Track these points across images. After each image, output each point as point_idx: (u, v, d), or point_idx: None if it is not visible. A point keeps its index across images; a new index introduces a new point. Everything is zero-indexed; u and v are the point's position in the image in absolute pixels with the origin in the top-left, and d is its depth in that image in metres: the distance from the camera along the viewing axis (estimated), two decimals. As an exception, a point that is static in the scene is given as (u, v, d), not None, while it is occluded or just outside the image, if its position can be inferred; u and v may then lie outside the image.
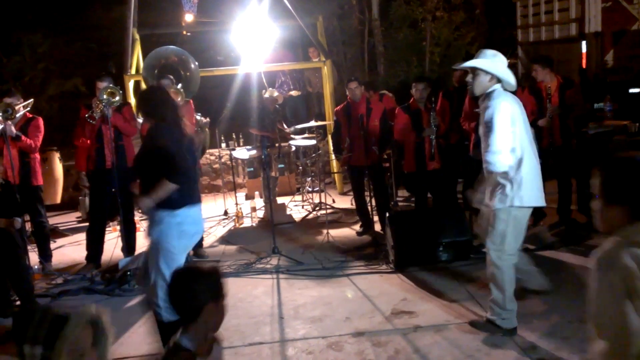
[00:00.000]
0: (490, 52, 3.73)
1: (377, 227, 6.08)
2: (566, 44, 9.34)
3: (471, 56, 10.05)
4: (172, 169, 3.39)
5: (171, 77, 5.89)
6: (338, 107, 6.27)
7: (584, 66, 8.97)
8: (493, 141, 3.51)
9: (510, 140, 3.54)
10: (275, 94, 7.81)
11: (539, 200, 3.73)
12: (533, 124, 5.65)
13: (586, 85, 8.33)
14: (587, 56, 8.94)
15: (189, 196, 3.52)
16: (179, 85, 5.81)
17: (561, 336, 3.72)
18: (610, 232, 1.81)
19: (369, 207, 6.12)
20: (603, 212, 1.81)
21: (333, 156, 8.44)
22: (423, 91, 5.71)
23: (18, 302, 4.77)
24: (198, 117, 6.70)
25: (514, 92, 3.84)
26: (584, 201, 6.01)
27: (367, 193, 6.28)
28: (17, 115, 5.40)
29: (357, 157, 5.93)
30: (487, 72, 3.63)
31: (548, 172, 5.83)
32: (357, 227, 6.42)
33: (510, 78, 3.69)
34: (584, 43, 8.97)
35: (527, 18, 10.44)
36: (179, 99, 5.42)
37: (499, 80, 3.66)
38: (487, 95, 3.65)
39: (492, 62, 3.66)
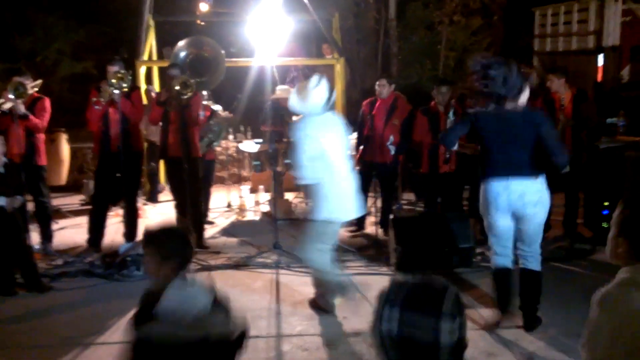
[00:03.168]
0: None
1: (371, 229, 6.06)
2: (583, 56, 9.25)
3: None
4: None
5: (179, 67, 5.85)
6: (366, 101, 6.29)
7: (599, 79, 8.89)
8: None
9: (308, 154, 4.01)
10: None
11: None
12: None
13: (601, 99, 8.24)
14: (603, 70, 8.85)
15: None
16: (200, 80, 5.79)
17: (559, 349, 3.69)
18: (615, 262, 1.85)
19: (372, 209, 6.10)
20: (613, 243, 1.85)
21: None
22: (446, 94, 5.71)
23: (19, 280, 4.79)
24: (219, 110, 6.70)
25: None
26: (591, 215, 5.96)
27: (370, 194, 6.25)
28: None
29: (370, 152, 5.92)
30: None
31: (556, 184, 5.81)
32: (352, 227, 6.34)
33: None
34: (601, 56, 8.89)
35: (545, 27, 10.35)
36: (188, 91, 5.41)
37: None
38: None
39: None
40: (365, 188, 6.12)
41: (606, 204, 5.65)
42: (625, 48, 8.95)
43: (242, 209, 7.04)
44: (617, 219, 1.84)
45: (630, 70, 8.96)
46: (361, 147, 6.14)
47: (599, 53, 8.92)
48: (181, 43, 7.03)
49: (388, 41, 11.18)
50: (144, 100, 6.83)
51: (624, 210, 1.82)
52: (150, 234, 2.27)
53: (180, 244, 2.24)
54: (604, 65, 8.86)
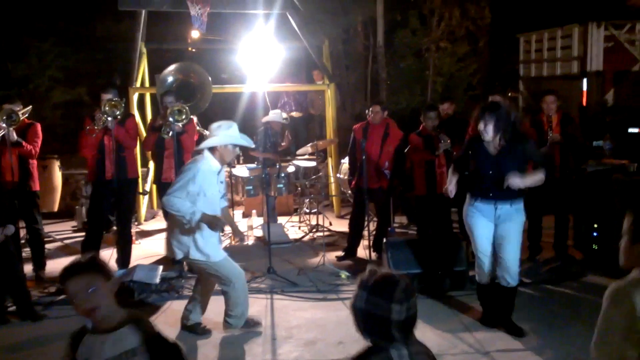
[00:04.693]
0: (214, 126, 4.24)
1: (361, 253, 6.14)
2: (567, 81, 9.48)
3: (472, 87, 10.16)
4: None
5: (173, 94, 5.94)
6: (357, 125, 6.32)
7: (584, 104, 9.09)
8: None
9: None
10: (284, 115, 7.83)
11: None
12: None
13: (585, 123, 8.42)
14: (587, 94, 9.07)
15: None
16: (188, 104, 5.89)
17: (555, 372, 3.72)
18: (630, 269, 1.93)
19: (364, 232, 6.14)
20: (627, 249, 1.96)
21: (332, 179, 8.49)
22: (435, 119, 5.83)
23: (11, 308, 4.74)
24: (208, 135, 6.76)
25: None
26: (581, 237, 6.04)
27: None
28: None
29: (364, 178, 5.97)
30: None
31: (546, 207, 5.90)
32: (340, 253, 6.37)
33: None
34: (585, 81, 9.10)
35: (530, 53, 10.61)
36: (183, 117, 5.48)
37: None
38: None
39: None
40: (361, 213, 6.16)
41: (595, 225, 5.73)
42: (608, 73, 9.18)
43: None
44: (628, 228, 1.96)
45: (614, 95, 9.18)
46: (356, 174, 6.17)
47: (583, 78, 9.14)
48: (168, 69, 7.11)
49: (377, 67, 11.36)
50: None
51: (634, 220, 1.95)
52: (81, 264, 2.14)
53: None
54: (588, 90, 9.08)
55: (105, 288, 2.10)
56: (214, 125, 4.17)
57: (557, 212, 5.86)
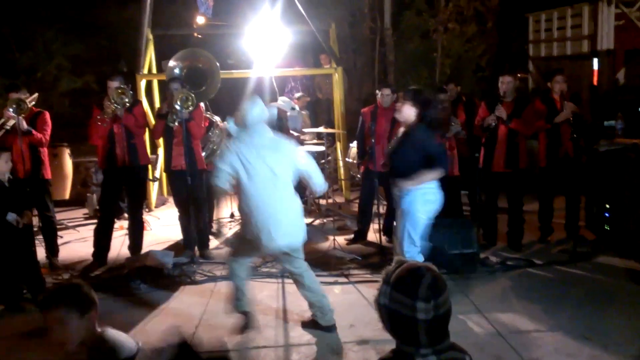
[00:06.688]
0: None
1: (371, 237, 6.14)
2: (578, 61, 9.35)
3: (481, 68, 10.03)
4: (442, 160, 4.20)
5: (179, 81, 5.91)
6: (365, 109, 6.27)
7: (595, 83, 8.98)
8: None
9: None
10: (294, 106, 7.77)
11: None
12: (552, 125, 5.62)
13: (596, 103, 8.33)
14: (598, 73, 8.95)
15: None
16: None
17: (566, 352, 3.72)
18: None
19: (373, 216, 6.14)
20: None
21: (341, 163, 8.47)
22: (445, 102, 5.78)
23: (26, 295, 4.80)
24: (218, 121, 6.76)
25: None
26: (592, 218, 6.00)
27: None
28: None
29: (374, 161, 5.95)
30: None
31: (557, 187, 5.87)
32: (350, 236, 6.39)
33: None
34: (595, 60, 8.98)
35: (539, 33, 10.47)
36: (189, 104, 5.46)
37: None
38: None
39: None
40: (370, 196, 6.17)
41: (607, 206, 5.70)
42: (619, 51, 9.05)
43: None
44: None
45: (625, 74, 9.06)
46: (365, 157, 6.16)
47: (594, 57, 9.01)
48: (176, 56, 7.08)
49: (384, 50, 11.24)
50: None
51: None
52: (58, 295, 2.16)
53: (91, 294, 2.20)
54: (599, 69, 8.96)
55: (78, 324, 2.13)
56: (241, 115, 4.15)
57: (569, 192, 5.83)
